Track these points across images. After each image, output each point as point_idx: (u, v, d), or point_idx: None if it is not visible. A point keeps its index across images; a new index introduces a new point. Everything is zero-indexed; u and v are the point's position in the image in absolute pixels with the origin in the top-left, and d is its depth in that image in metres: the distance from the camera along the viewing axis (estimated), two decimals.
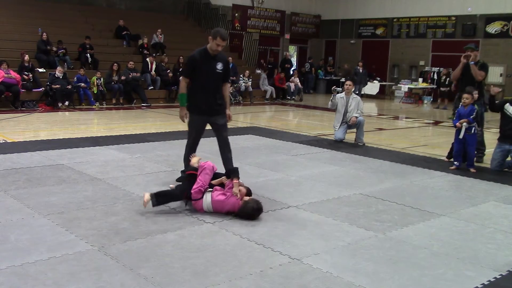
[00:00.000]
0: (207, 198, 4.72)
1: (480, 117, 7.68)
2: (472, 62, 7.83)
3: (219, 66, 5.48)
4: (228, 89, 5.81)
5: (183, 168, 6.51)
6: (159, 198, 4.72)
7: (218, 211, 4.70)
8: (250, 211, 4.59)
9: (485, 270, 3.72)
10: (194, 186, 4.74)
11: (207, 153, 7.65)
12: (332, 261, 3.76)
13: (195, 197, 4.71)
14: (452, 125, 7.62)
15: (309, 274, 3.51)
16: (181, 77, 5.86)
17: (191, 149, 5.68)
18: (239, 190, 4.71)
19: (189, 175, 4.92)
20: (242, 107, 15.77)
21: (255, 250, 3.90)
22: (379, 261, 3.79)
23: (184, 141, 7.08)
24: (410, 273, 3.60)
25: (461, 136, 7.03)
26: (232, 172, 4.97)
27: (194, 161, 5.04)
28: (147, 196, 4.68)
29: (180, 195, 4.82)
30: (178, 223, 4.42)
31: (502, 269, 3.75)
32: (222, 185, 4.91)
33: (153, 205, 4.69)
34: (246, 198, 4.72)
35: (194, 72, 5.51)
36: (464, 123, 7.01)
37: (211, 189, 4.81)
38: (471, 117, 6.98)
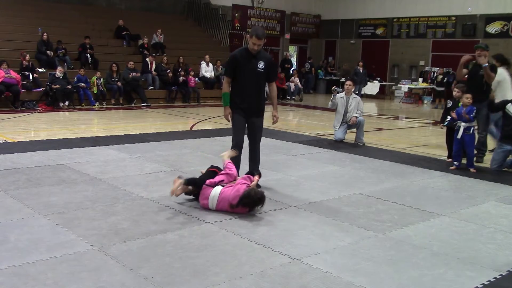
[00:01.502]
0: (217, 189, 4.80)
1: (485, 119, 7.67)
2: (486, 65, 7.45)
3: (261, 65, 5.40)
4: (274, 89, 5.72)
5: (183, 168, 6.51)
6: (190, 180, 4.95)
7: (219, 207, 4.73)
8: (253, 196, 4.65)
9: (485, 270, 3.72)
10: (213, 180, 4.90)
11: (207, 153, 7.66)
12: (332, 261, 3.76)
13: (209, 184, 4.85)
14: (443, 126, 7.69)
15: (309, 274, 3.51)
16: (224, 77, 5.81)
17: (238, 147, 5.61)
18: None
19: (211, 171, 5.09)
20: None
21: (255, 250, 3.90)
22: (379, 261, 3.79)
23: (184, 141, 7.13)
24: (410, 273, 3.60)
25: (459, 136, 7.03)
26: (255, 171, 5.26)
27: (227, 154, 5.35)
28: (178, 182, 4.86)
29: (201, 183, 4.95)
30: (178, 223, 4.42)
31: (502, 269, 3.75)
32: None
33: (184, 184, 4.92)
34: None
35: (234, 71, 5.45)
36: (462, 123, 7.01)
37: (224, 185, 4.93)
38: (471, 115, 6.99)
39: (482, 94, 7.52)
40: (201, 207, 4.84)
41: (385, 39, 22.30)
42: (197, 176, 5.16)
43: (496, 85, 8.12)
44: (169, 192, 4.92)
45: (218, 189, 4.81)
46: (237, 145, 5.59)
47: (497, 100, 7.86)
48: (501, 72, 8.22)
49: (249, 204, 4.64)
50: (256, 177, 5.07)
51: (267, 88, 5.81)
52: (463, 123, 7.03)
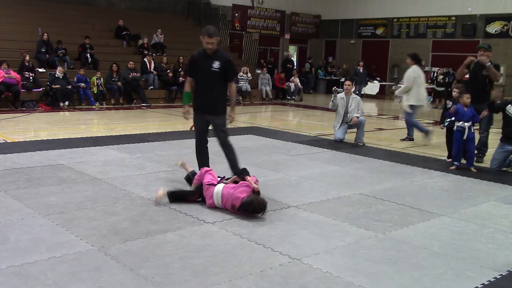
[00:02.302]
0: (220, 186, 4.86)
1: (487, 119, 7.67)
2: (489, 63, 7.49)
3: (215, 64, 5.44)
4: (233, 89, 5.75)
5: (183, 168, 6.51)
6: (175, 197, 4.96)
7: (223, 204, 4.76)
8: (256, 205, 4.64)
9: (485, 270, 3.72)
10: (205, 180, 4.95)
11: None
12: (332, 261, 3.76)
13: (208, 183, 4.91)
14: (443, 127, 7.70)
15: (309, 274, 3.51)
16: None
17: (197, 148, 5.85)
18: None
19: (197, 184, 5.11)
20: (242, 107, 15.77)
21: (255, 250, 3.90)
22: (379, 261, 3.79)
23: (184, 141, 7.09)
24: (410, 273, 3.60)
25: (465, 137, 7.02)
26: (241, 172, 5.15)
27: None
28: (161, 192, 4.89)
29: (194, 192, 5.02)
30: (178, 223, 4.41)
31: (502, 269, 3.75)
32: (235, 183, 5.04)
33: (170, 202, 4.94)
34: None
35: (193, 71, 5.62)
36: (467, 124, 7.02)
37: (225, 182, 4.99)
38: (476, 117, 7.06)
39: (484, 94, 7.55)
40: (208, 207, 4.85)
41: (385, 39, 22.30)
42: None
43: (412, 81, 9.18)
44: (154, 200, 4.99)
45: (220, 186, 4.87)
46: (196, 144, 5.84)
47: (412, 95, 9.13)
48: (416, 69, 9.34)
49: (250, 211, 4.64)
50: (249, 179, 4.98)
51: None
52: (466, 123, 7.03)
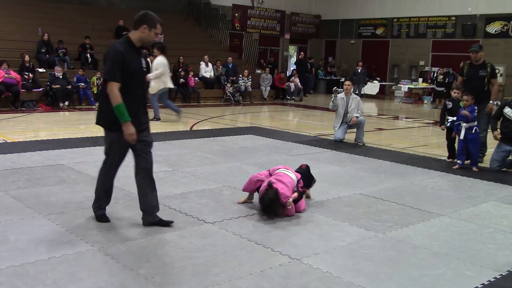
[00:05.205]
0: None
1: (486, 119, 7.68)
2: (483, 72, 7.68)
3: (143, 62, 4.31)
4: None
5: (183, 168, 6.51)
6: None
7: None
8: (265, 200, 4.58)
9: (485, 270, 3.72)
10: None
11: (207, 153, 7.67)
12: (332, 261, 3.76)
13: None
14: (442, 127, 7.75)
15: (309, 274, 3.51)
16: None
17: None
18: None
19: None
20: (242, 107, 15.77)
21: (255, 250, 3.90)
22: (379, 261, 3.79)
23: (184, 141, 7.04)
24: (410, 273, 3.60)
25: (461, 137, 7.07)
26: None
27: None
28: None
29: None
30: (178, 223, 4.41)
31: (502, 269, 3.75)
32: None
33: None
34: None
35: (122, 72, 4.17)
36: (464, 124, 7.03)
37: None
38: (473, 115, 7.03)
39: (482, 94, 7.56)
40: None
41: (385, 39, 22.30)
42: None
43: (164, 68, 10.48)
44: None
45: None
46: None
47: (162, 80, 10.56)
48: (162, 59, 10.53)
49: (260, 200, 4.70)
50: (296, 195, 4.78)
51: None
52: (464, 124, 7.05)
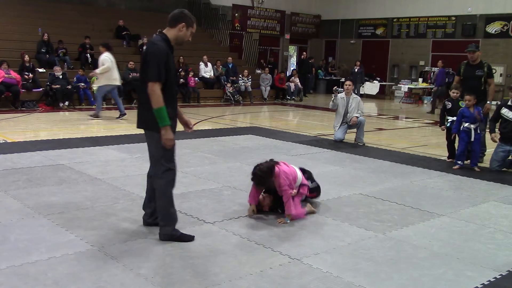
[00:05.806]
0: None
1: (485, 119, 7.70)
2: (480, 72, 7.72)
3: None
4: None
5: (183, 168, 6.51)
6: None
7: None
8: (256, 170, 4.56)
9: (485, 270, 3.72)
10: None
11: (207, 153, 7.67)
12: (332, 261, 3.76)
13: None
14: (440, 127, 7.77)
15: (309, 274, 3.51)
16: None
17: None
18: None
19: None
20: (242, 107, 15.77)
21: (255, 250, 3.90)
22: (379, 261, 3.79)
23: (184, 141, 7.00)
24: (410, 273, 3.60)
25: (472, 138, 7.07)
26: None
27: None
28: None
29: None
30: (178, 223, 4.40)
31: (502, 269, 3.75)
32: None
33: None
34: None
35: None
36: (472, 125, 7.06)
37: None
38: (481, 114, 7.10)
39: (480, 94, 7.58)
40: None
41: (385, 39, 22.30)
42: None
43: (111, 64, 10.85)
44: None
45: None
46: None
47: (107, 76, 10.91)
48: (109, 56, 10.90)
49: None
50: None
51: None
52: (472, 125, 7.06)
